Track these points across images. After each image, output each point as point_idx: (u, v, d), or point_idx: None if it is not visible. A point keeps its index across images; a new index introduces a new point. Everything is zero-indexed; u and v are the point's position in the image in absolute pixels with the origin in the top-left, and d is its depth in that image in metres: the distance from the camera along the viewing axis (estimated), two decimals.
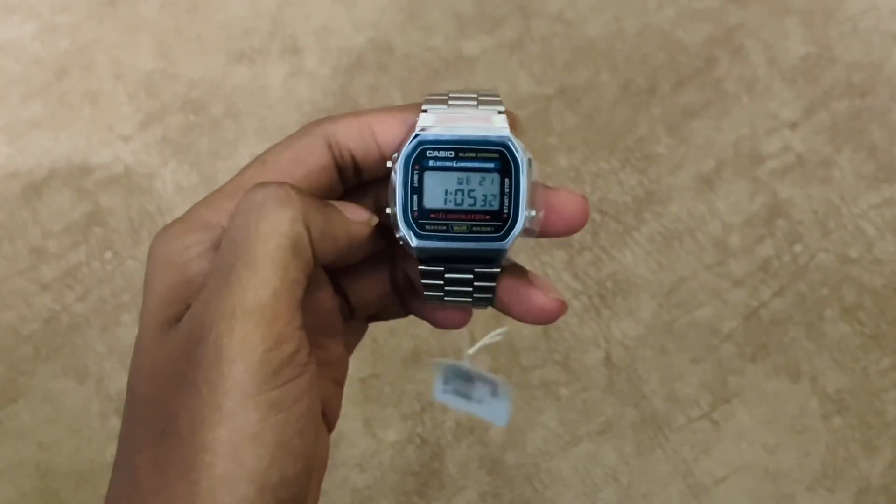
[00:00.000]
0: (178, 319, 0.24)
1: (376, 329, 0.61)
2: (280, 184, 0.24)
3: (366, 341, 0.61)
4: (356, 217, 0.26)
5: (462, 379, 0.38)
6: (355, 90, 0.65)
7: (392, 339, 0.61)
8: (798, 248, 0.62)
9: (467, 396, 0.38)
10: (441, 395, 0.38)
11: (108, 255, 0.63)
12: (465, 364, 0.37)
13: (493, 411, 0.38)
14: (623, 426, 0.60)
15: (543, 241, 0.62)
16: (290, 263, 0.23)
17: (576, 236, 0.62)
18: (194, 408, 0.22)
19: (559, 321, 0.61)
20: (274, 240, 0.23)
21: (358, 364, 0.60)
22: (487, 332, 0.40)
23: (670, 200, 0.63)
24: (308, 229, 0.24)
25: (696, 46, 0.65)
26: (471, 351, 0.39)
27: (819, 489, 0.59)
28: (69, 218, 0.64)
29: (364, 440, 0.60)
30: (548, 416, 0.60)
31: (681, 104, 0.64)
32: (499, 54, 0.65)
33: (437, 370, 0.38)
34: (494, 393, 0.37)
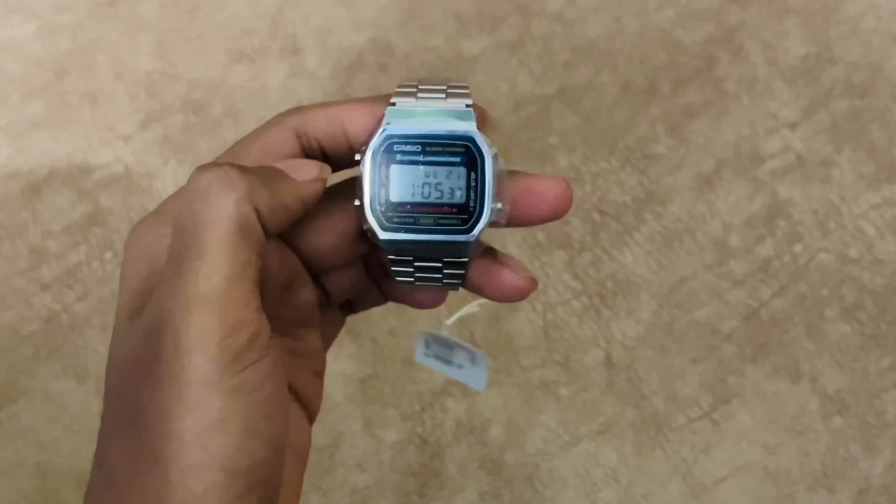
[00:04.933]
0: (142, 311, 0.24)
1: (376, 329, 0.61)
2: (220, 166, 0.24)
3: (365, 341, 0.61)
4: (306, 175, 0.26)
5: (442, 345, 0.39)
6: (355, 90, 0.65)
7: (392, 339, 0.61)
8: (798, 248, 0.62)
9: (447, 361, 0.39)
10: (422, 357, 0.39)
11: (108, 255, 0.63)
12: (444, 334, 0.38)
13: (473, 376, 0.39)
14: (623, 426, 0.60)
15: (543, 241, 0.62)
16: (240, 246, 0.23)
17: (575, 236, 0.62)
18: (159, 399, 0.22)
19: (559, 321, 0.61)
20: (220, 225, 0.23)
21: (358, 364, 0.60)
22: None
23: (670, 200, 0.63)
24: (256, 207, 0.24)
25: (696, 46, 0.65)
26: (448, 322, 0.40)
27: (819, 489, 0.59)
28: (69, 218, 0.64)
29: (364, 440, 0.60)
30: (548, 416, 0.60)
31: (681, 104, 0.64)
32: (499, 54, 0.65)
33: (418, 337, 0.39)
34: (473, 360, 0.38)
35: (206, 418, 0.22)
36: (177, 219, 0.24)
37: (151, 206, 0.64)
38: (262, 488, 0.23)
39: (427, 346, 0.39)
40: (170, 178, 0.64)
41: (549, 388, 0.60)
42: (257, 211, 0.24)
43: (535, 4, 0.66)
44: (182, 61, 0.66)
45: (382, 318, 0.61)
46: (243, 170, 0.24)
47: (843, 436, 0.59)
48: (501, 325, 0.61)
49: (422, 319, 0.60)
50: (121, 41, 0.67)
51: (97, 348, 0.62)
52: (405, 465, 0.60)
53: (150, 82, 0.66)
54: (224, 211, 0.23)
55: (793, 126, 0.64)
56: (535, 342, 0.61)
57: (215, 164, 0.24)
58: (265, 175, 0.25)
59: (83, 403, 0.61)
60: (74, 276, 0.63)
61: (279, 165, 0.26)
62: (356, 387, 0.60)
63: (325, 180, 0.27)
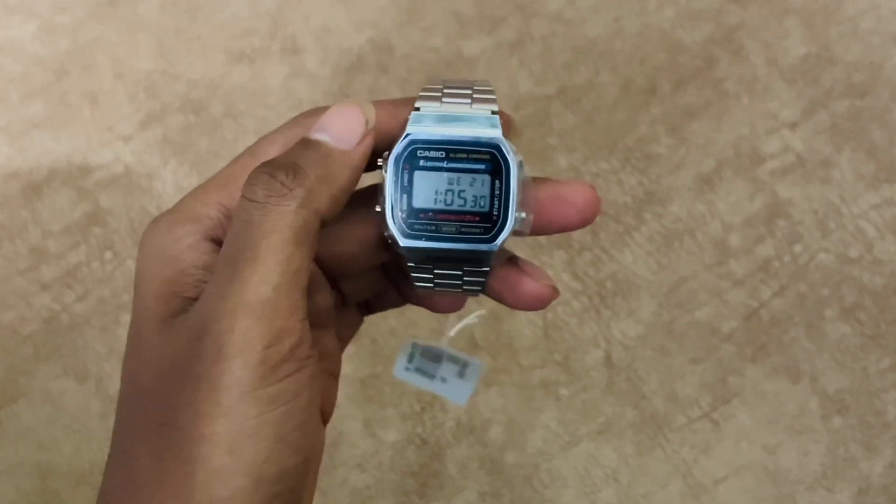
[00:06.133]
0: (177, 313, 0.24)
1: (376, 329, 0.61)
2: (276, 174, 0.24)
3: (365, 341, 0.61)
4: (352, 141, 0.25)
5: (428, 358, 0.38)
6: (355, 90, 0.65)
7: (392, 339, 0.61)
8: (798, 248, 0.62)
9: (430, 375, 0.38)
10: (402, 372, 0.39)
11: (108, 255, 0.63)
12: (443, 345, 0.38)
13: (455, 391, 0.38)
14: (623, 426, 0.60)
15: (543, 241, 0.62)
16: (294, 254, 0.23)
17: (575, 236, 0.62)
18: (194, 402, 0.22)
19: (559, 321, 0.61)
20: (277, 234, 0.23)
21: (358, 364, 0.60)
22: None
23: (670, 200, 0.63)
24: (316, 209, 0.24)
25: (696, 46, 0.65)
26: (451, 333, 0.39)
27: (819, 489, 0.59)
28: (69, 218, 0.64)
29: (364, 440, 0.60)
30: (548, 416, 0.60)
31: (681, 104, 0.64)
32: (499, 54, 0.65)
33: (403, 349, 0.38)
34: (462, 374, 0.38)
35: (239, 424, 0.22)
36: (233, 224, 0.24)
37: (151, 207, 0.64)
38: (285, 497, 0.23)
39: (410, 359, 0.38)
40: (169, 178, 0.64)
41: (549, 388, 0.60)
42: (318, 211, 0.24)
43: (535, 4, 0.66)
44: (182, 61, 0.66)
45: (382, 318, 0.61)
46: (300, 173, 0.24)
47: (843, 436, 0.59)
48: (502, 325, 0.61)
49: (423, 321, 0.60)
50: (121, 41, 0.67)
51: (97, 348, 0.62)
52: (405, 465, 0.60)
53: (150, 82, 0.66)
54: (281, 221, 0.23)
55: (793, 126, 0.64)
56: (535, 342, 0.61)
57: (270, 175, 0.24)
58: (318, 165, 0.24)
59: (83, 403, 0.61)
60: (74, 276, 0.63)
61: (322, 122, 0.25)
62: (356, 387, 0.60)
63: (372, 132, 0.26)
